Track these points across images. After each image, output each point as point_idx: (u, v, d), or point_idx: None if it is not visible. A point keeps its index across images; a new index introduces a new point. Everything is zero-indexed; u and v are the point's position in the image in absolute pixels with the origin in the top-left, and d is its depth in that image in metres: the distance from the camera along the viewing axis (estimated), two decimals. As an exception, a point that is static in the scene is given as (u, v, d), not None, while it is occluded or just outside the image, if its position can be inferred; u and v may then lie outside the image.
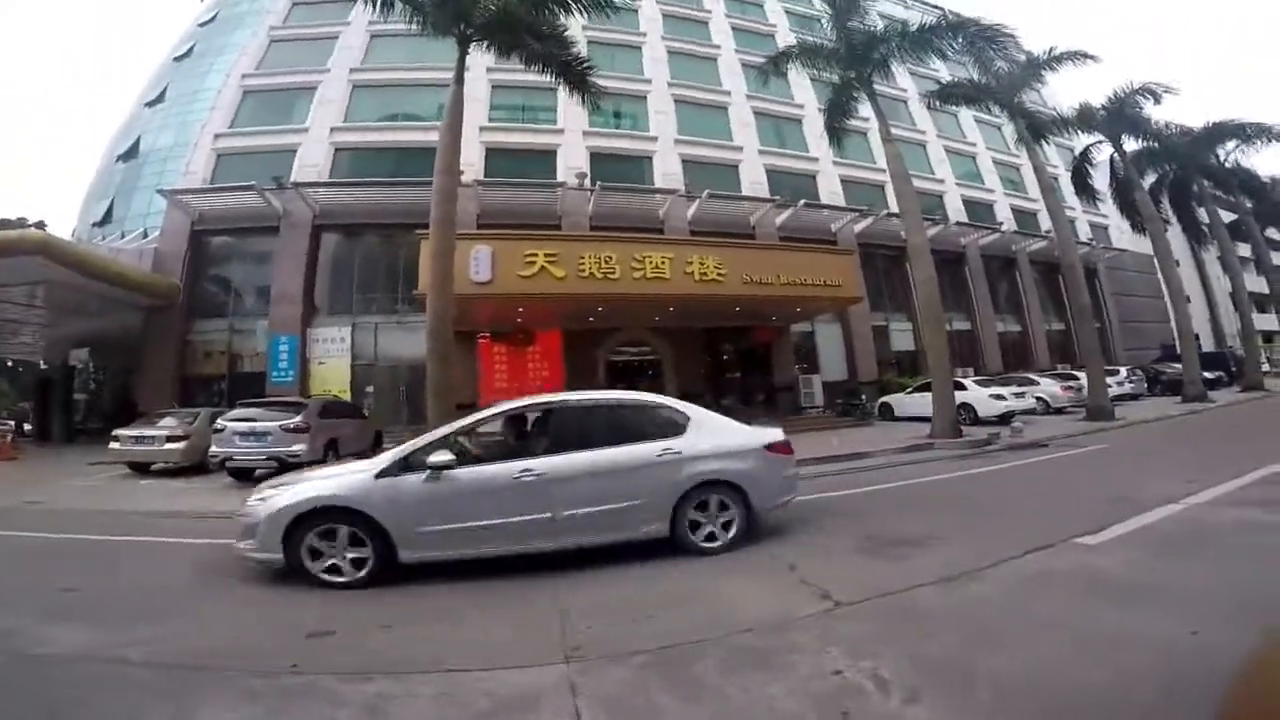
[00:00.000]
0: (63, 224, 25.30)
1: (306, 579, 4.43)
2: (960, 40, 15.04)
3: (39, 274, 14.27)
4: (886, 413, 18.82)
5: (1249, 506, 5.26)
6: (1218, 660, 2.41)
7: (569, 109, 19.90)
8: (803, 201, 22.04)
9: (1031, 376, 20.00)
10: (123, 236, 20.78)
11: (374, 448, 13.67)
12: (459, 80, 10.83)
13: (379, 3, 10.68)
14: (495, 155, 20.98)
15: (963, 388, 16.15)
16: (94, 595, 4.46)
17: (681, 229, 20.27)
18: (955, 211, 27.39)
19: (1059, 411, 17.79)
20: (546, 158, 21.51)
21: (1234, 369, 25.49)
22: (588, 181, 20.10)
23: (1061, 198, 24.61)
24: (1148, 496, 5.89)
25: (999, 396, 16.03)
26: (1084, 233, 31.30)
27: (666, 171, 22.35)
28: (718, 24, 28.48)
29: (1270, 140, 22.53)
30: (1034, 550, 4.36)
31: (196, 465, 11.59)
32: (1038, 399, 17.66)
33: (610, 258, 14.05)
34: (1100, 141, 21.74)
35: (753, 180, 23.59)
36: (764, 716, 2.49)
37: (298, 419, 10.62)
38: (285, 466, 10.17)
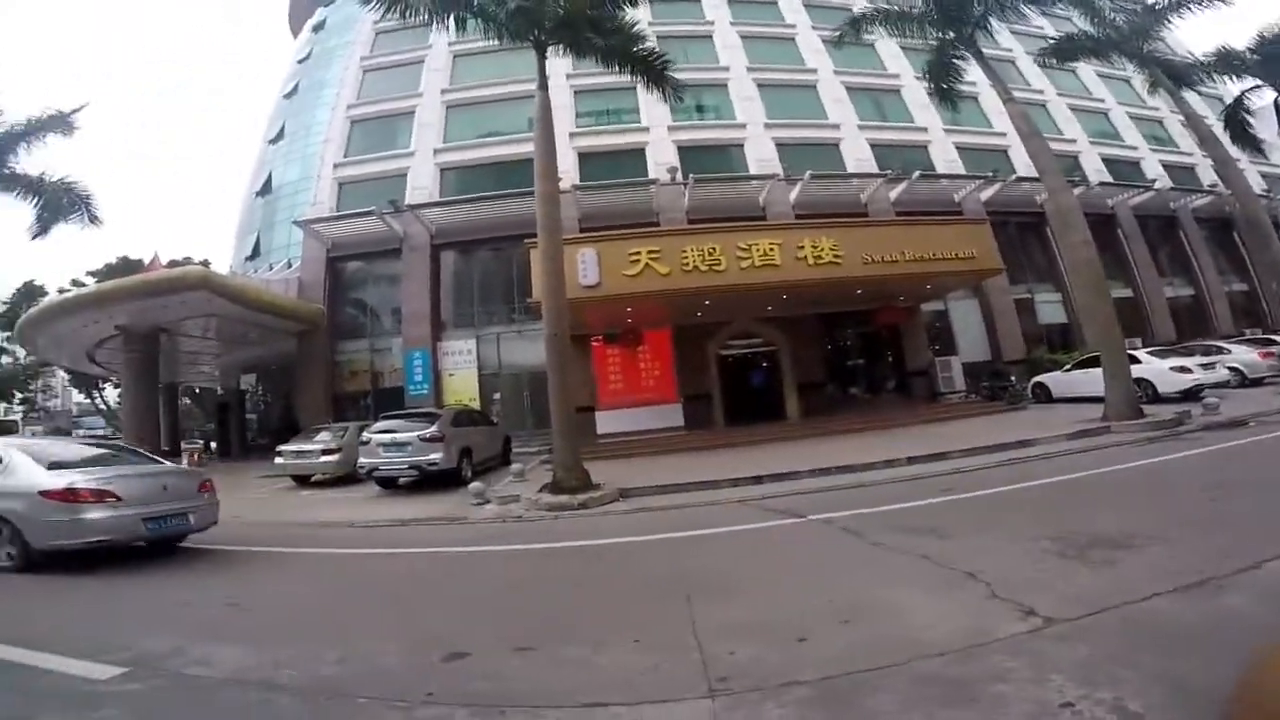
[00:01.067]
0: (222, 262, 28.42)
1: None
2: None
3: (205, 308, 16.14)
4: (1042, 394, 16.73)
5: None
6: None
7: (651, 106, 19.87)
8: (918, 173, 20.29)
9: (1218, 344, 17.02)
10: (270, 268, 22.83)
11: (504, 452, 14.25)
12: (543, 86, 10.81)
13: (454, 22, 10.84)
14: (587, 159, 21.19)
15: (1136, 360, 13.97)
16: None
17: (785, 214, 19.35)
18: (1095, 172, 24.40)
19: (1256, 383, 15.01)
20: (636, 157, 21.39)
21: None
22: (679, 175, 19.72)
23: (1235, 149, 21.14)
24: None
25: (1183, 369, 13.66)
26: (1257, 184, 26.63)
27: (761, 157, 21.52)
28: (787, 3, 27.23)
29: None
30: (1274, 559, 3.40)
31: (349, 475, 12.55)
32: (1230, 369, 14.94)
33: (714, 249, 13.54)
34: (1258, 86, 18.23)
35: (857, 157, 22.23)
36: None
37: (433, 429, 11.16)
38: (424, 474, 10.88)
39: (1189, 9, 15.28)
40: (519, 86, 19.12)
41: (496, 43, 11.27)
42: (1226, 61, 17.69)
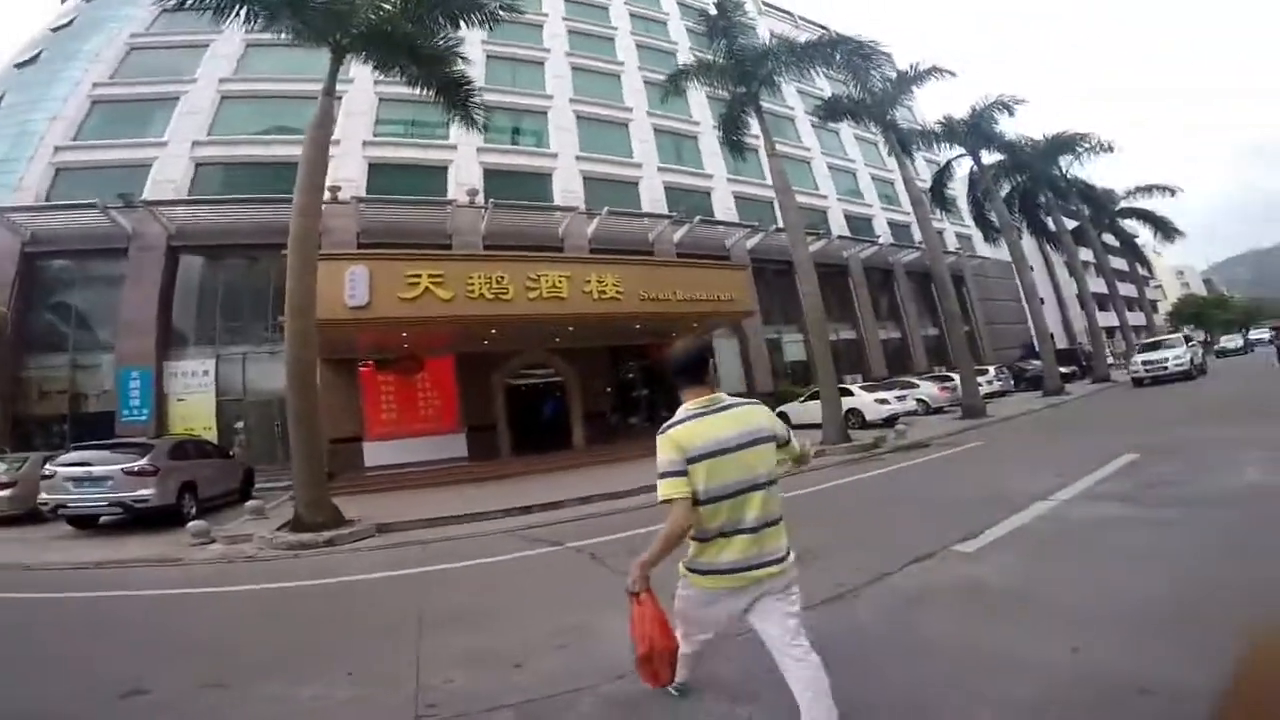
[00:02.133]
0: None
1: None
2: (839, 56, 15.81)
3: None
4: (784, 421, 19.28)
5: (1112, 501, 5.54)
6: (1103, 684, 2.40)
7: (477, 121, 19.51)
8: (699, 218, 22.48)
9: (912, 380, 21.30)
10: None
11: (244, 488, 12.64)
12: (328, 92, 10.11)
13: (248, 13, 9.71)
14: (380, 171, 19.99)
15: (850, 393, 16.91)
16: None
17: (581, 247, 20.10)
18: (839, 226, 28.99)
19: (938, 411, 19.03)
20: (438, 174, 20.72)
21: (1085, 363, 28.29)
22: (480, 198, 19.49)
23: (932, 210, 26.77)
24: (1020, 495, 6.15)
25: (883, 400, 16.89)
26: (951, 242, 34.11)
27: (566, 189, 22.13)
28: (622, 41, 28.81)
29: (1097, 151, 25.79)
30: (916, 561, 4.35)
31: (28, 513, 10.40)
32: (918, 400, 18.78)
33: (502, 278, 13.44)
34: (962, 155, 23.71)
35: (652, 197, 23.85)
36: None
37: (143, 462, 9.62)
38: (132, 512, 9.35)
39: (929, 78, 18.84)
40: (314, 85, 17.14)
41: (289, 38, 10.27)
42: (948, 132, 22.45)
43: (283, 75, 19.79)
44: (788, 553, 2.23)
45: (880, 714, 2.44)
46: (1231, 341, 38.66)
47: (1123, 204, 32.97)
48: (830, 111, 20.34)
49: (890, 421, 15.70)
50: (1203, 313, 65.57)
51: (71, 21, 23.79)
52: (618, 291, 14.51)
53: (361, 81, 19.43)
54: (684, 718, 2.65)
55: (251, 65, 20.96)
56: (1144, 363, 20.47)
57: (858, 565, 4.42)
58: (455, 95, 11.48)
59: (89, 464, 9.50)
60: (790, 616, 2.17)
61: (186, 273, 17.69)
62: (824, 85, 28.79)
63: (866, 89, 18.17)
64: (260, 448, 16.17)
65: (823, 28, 37.95)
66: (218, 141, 19.39)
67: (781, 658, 2.14)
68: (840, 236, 27.79)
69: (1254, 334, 40.19)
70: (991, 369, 24.10)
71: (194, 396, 16.54)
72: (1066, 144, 26.05)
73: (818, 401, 14.46)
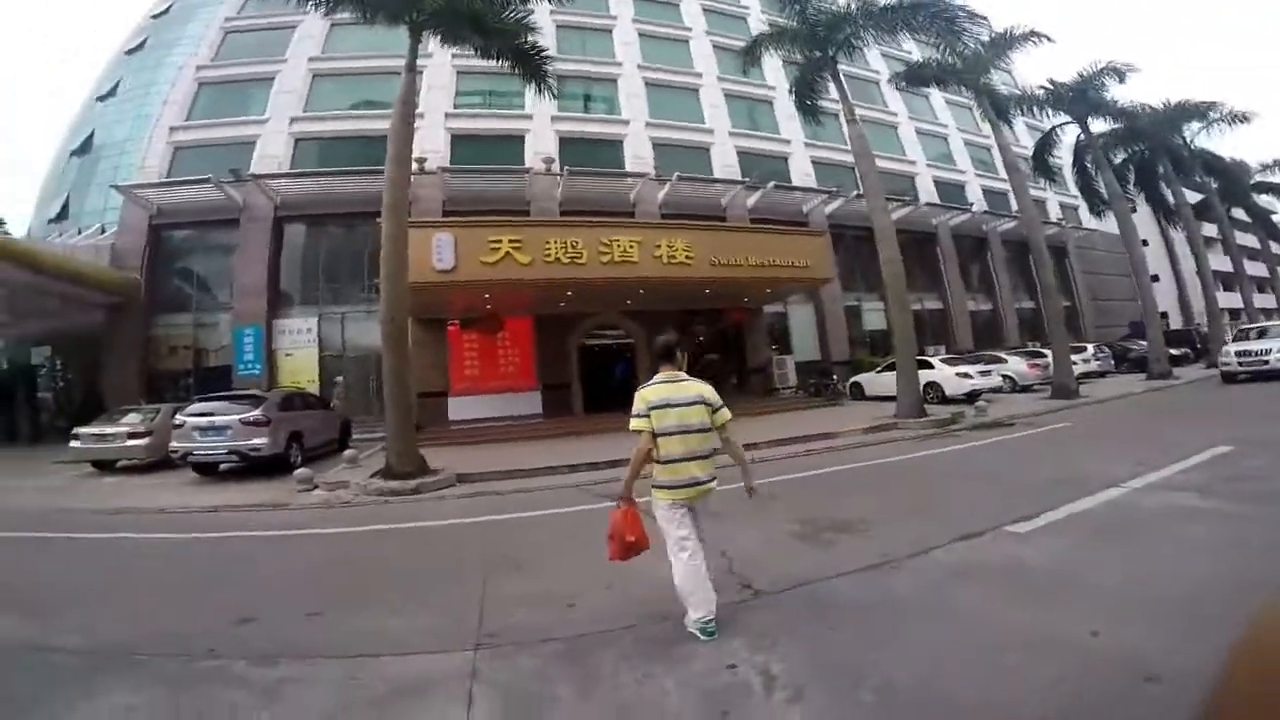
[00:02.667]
0: (19, 223, 24.79)
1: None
2: (922, 19, 14.75)
3: (-13, 273, 13.85)
4: (858, 392, 18.95)
5: (1187, 491, 5.28)
6: (1114, 668, 2.51)
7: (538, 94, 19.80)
8: (773, 183, 21.86)
9: (1000, 354, 20.15)
10: (80, 233, 20.28)
11: (341, 438, 13.73)
12: (410, 69, 10.65)
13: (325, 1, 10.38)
14: (461, 142, 20.65)
15: (929, 366, 16.29)
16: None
17: (652, 212, 20.12)
18: (927, 193, 27.41)
19: (1026, 389, 17.99)
20: (515, 143, 21.20)
21: (1200, 346, 25.80)
22: (556, 166, 19.89)
23: (1034, 179, 24.75)
24: (1093, 479, 5.95)
25: (965, 375, 16.13)
26: (1054, 213, 31.57)
27: (637, 155, 22.12)
28: (689, 6, 28.06)
29: (1230, 122, 22.86)
30: (963, 538, 4.37)
31: (162, 460, 11.49)
32: (1004, 377, 17.81)
33: (576, 243, 13.87)
34: (1068, 122, 21.66)
35: (724, 163, 23.43)
36: (650, 712, 2.48)
37: (256, 413, 10.56)
38: (247, 460, 10.37)
39: (1025, 43, 17.39)
40: (397, 61, 17.98)
41: (368, 21, 10.85)
42: (1052, 98, 20.63)
43: (367, 52, 20.46)
44: (712, 478, 3.43)
45: (896, 681, 2.59)
46: None
47: (1258, 178, 29.28)
48: (913, 78, 19.06)
49: (972, 397, 15.05)
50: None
51: (169, 9, 25.66)
52: (688, 257, 14.59)
53: (440, 56, 19.74)
54: (709, 656, 2.92)
55: (337, 44, 21.86)
56: (1238, 354, 15.92)
57: (906, 538, 4.51)
58: (529, 65, 11.77)
59: (212, 414, 10.54)
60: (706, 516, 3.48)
61: (291, 240, 19.17)
62: (912, 48, 26.98)
63: (956, 53, 16.91)
64: (357, 400, 17.49)
65: None
66: (312, 118, 20.58)
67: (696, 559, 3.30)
68: (928, 204, 26.33)
69: None
70: (1090, 347, 22.39)
71: (300, 352, 18.09)
72: (1192, 112, 23.09)
73: (894, 373, 14.10)
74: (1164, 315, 29.26)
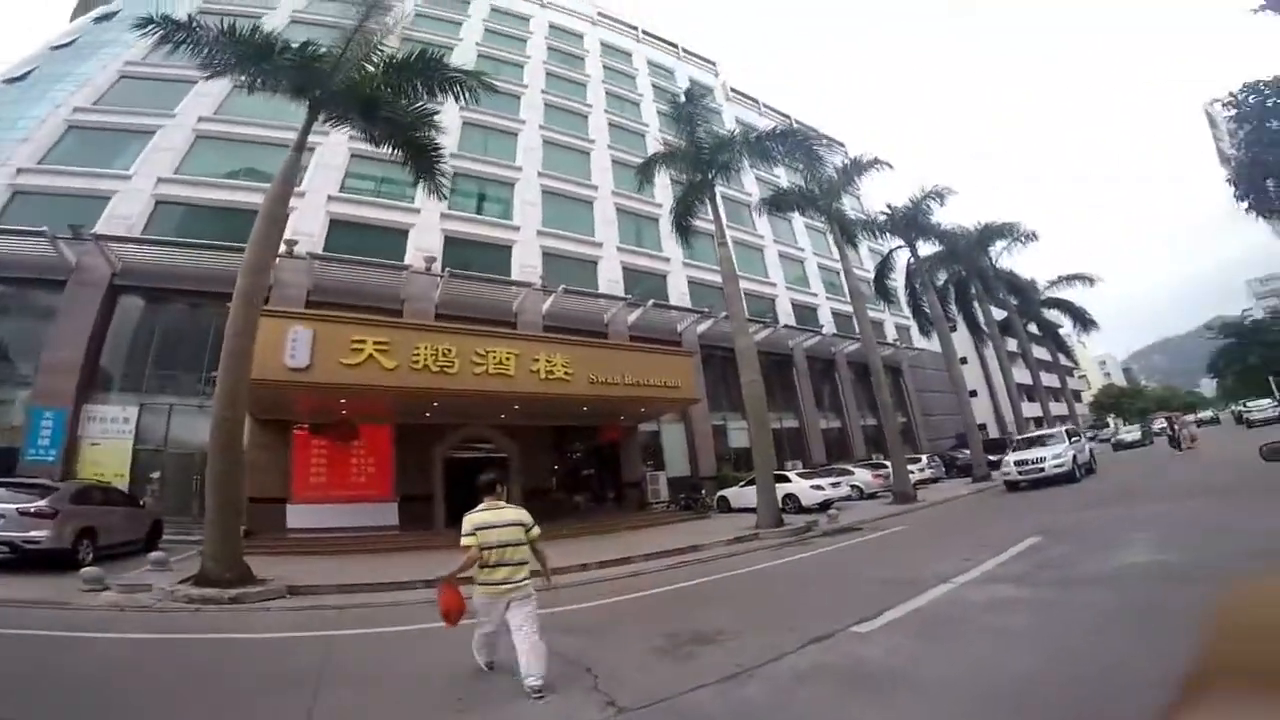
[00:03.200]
0: None
1: None
2: (789, 145, 16.73)
3: None
4: (724, 505, 19.52)
5: (1006, 583, 5.88)
6: None
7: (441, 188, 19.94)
8: (652, 301, 22.89)
9: (848, 467, 21.94)
10: None
11: (150, 538, 12.05)
12: (298, 148, 10.44)
13: (231, 61, 10.14)
14: (341, 228, 19.76)
15: (787, 479, 17.34)
16: None
17: (535, 323, 20.16)
18: (786, 314, 29.97)
19: (872, 496, 19.58)
20: (397, 236, 20.57)
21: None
22: (437, 266, 19.39)
23: (875, 301, 28.12)
24: (927, 576, 6.46)
25: (818, 486, 17.34)
26: (890, 333, 35.59)
27: (525, 263, 22.22)
28: (596, 119, 29.95)
29: (1024, 240, 28.01)
30: (813, 641, 4.52)
31: None
32: (852, 487, 19.32)
33: (449, 350, 13.58)
34: (901, 246, 25.18)
35: (610, 278, 24.17)
36: None
37: (41, 503, 9.40)
38: (20, 552, 9.02)
39: (871, 169, 20.09)
40: (291, 134, 17.54)
41: (268, 91, 10.61)
42: (891, 220, 23.66)
43: (262, 120, 19.55)
44: (525, 580, 4.35)
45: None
46: (1130, 433, 35.98)
47: (1045, 294, 35.31)
48: (778, 204, 21.38)
49: (825, 506, 16.05)
50: (1119, 402, 69.73)
51: (73, 41, 23.83)
52: (566, 373, 14.76)
53: (339, 135, 18.64)
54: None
55: (234, 107, 20.65)
56: (1017, 463, 16.93)
57: (761, 645, 4.58)
58: (423, 160, 11.80)
59: (-17, 501, 9.07)
60: (526, 614, 4.20)
61: (125, 313, 17.00)
62: (781, 173, 30.13)
63: (816, 179, 19.33)
64: (176, 500, 15.23)
65: (784, 115, 41.04)
66: (182, 180, 18.99)
67: (515, 634, 4.13)
68: (786, 326, 28.64)
69: (1156, 424, 37.15)
70: (924, 457, 25.01)
71: (110, 442, 15.63)
72: (996, 233, 27.96)
73: (755, 487, 14.72)
74: (982, 426, 33.25)
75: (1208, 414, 61.58)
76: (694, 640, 5.00)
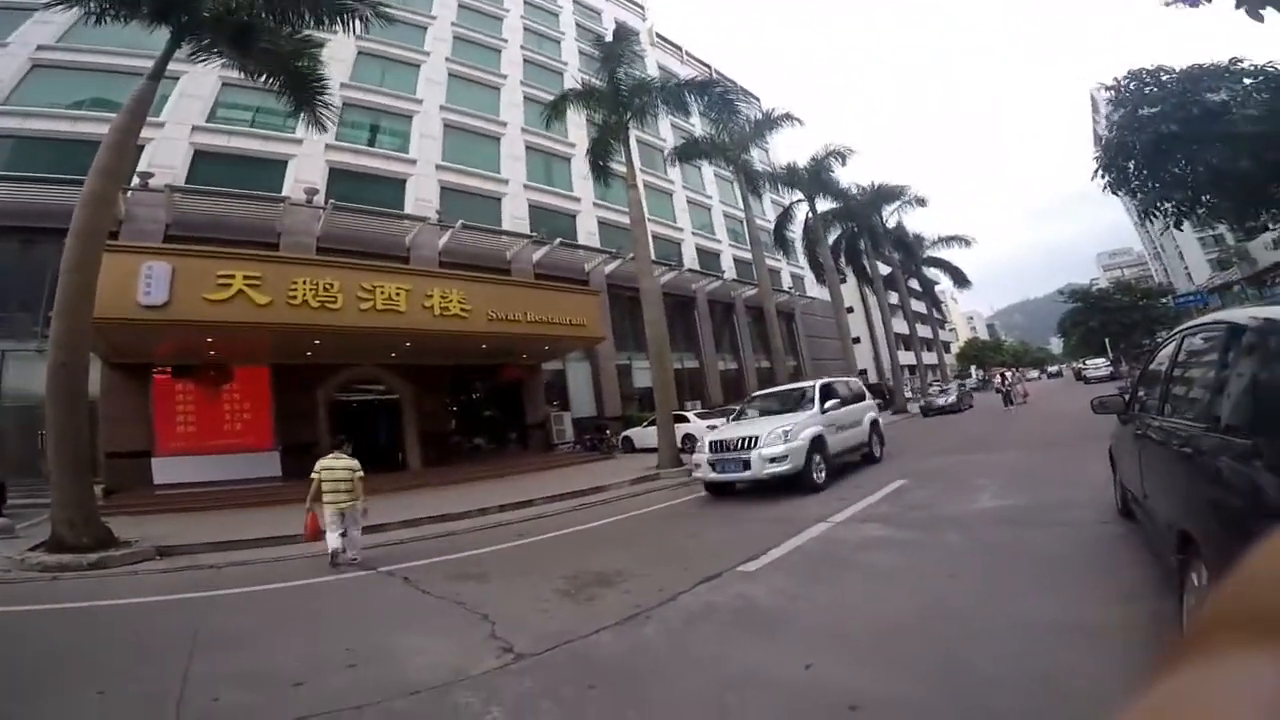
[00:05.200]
0: None
1: None
2: (707, 97, 16.76)
3: None
4: (629, 445, 19.94)
5: (875, 523, 6.37)
6: (822, 699, 2.74)
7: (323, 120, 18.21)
8: (559, 240, 22.26)
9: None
10: None
11: None
12: (155, 76, 9.14)
13: None
14: (208, 160, 17.79)
15: (686, 419, 17.89)
16: None
17: (430, 259, 19.12)
18: (690, 259, 30.53)
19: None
20: (275, 168, 18.84)
21: (888, 396, 32.18)
22: (320, 199, 17.99)
23: (774, 251, 29.07)
24: (806, 516, 6.95)
25: (714, 427, 17.93)
26: (786, 282, 37.27)
27: (421, 198, 21.12)
28: (510, 54, 28.27)
29: (915, 204, 30.13)
30: (705, 581, 4.76)
31: None
32: (748, 427, 20.22)
33: (331, 284, 12.64)
34: (801, 200, 26.28)
35: (515, 215, 23.50)
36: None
37: None
38: None
39: (782, 125, 20.47)
40: (147, 62, 15.12)
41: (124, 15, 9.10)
42: (791, 178, 24.51)
43: (115, 48, 16.81)
44: (351, 503, 6.88)
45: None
46: (945, 394, 31.69)
47: (928, 253, 38.25)
48: (690, 152, 21.55)
49: (721, 446, 16.72)
50: (982, 354, 77.72)
51: None
52: (463, 309, 14.22)
53: (209, 63, 17.33)
54: None
55: (83, 34, 17.04)
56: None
57: (658, 586, 4.76)
58: (303, 91, 10.71)
59: None
60: (353, 520, 6.93)
61: None
62: (696, 122, 30.43)
63: (729, 130, 19.52)
64: (20, 458, 13.49)
65: (706, 65, 40.54)
66: (12, 112, 16.41)
67: (349, 533, 6.87)
68: (690, 269, 29.15)
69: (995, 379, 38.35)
70: (814, 398, 26.57)
71: None
72: (889, 194, 30.09)
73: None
74: (863, 371, 35.85)
75: (1054, 369, 69.50)
76: (595, 583, 5.13)
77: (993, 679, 2.75)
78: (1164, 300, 37.56)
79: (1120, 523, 5.08)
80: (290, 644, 4.28)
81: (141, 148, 16.14)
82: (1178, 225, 13.91)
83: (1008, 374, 30.30)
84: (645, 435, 18.58)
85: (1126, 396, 4.91)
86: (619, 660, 3.50)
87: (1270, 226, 15.40)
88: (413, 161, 21.94)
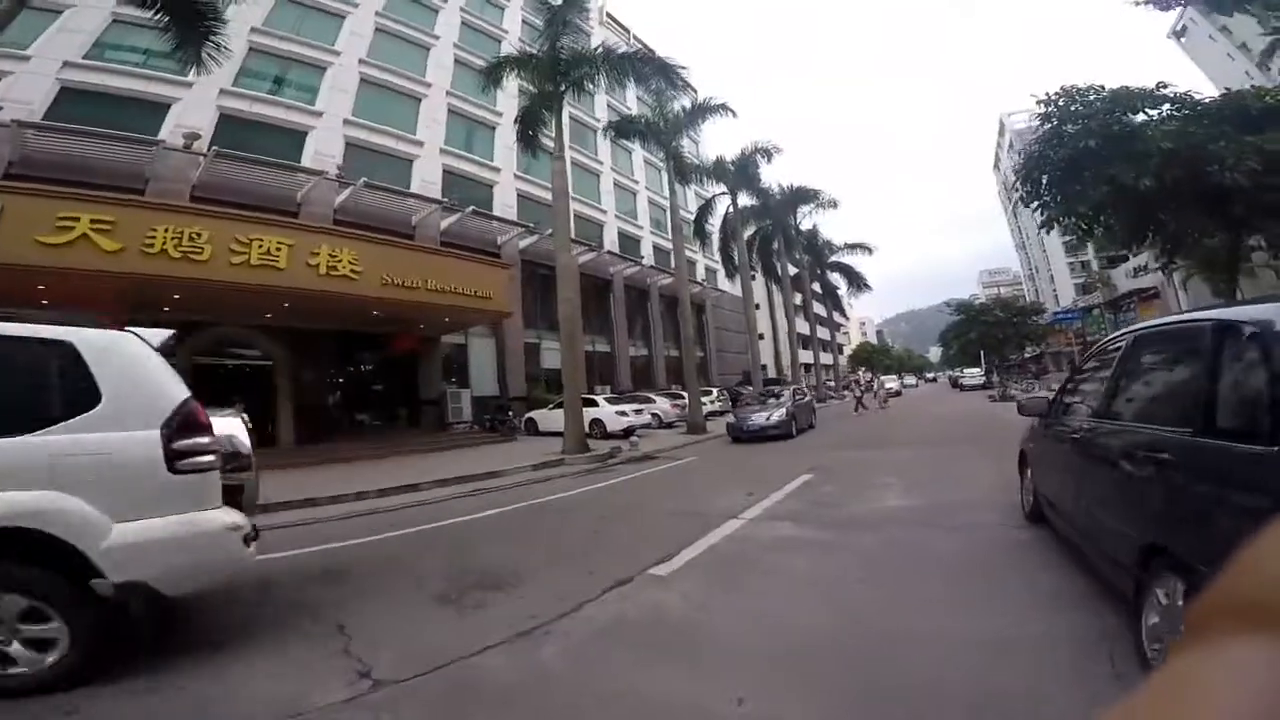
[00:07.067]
0: None
1: None
2: (648, 71, 16.38)
3: None
4: (532, 428, 19.16)
5: (784, 521, 6.11)
6: None
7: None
8: (471, 208, 20.83)
9: (651, 395, 22.79)
10: None
11: None
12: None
13: None
14: (75, 98, 15.77)
15: (594, 404, 17.43)
16: None
17: (324, 217, 17.29)
18: (611, 242, 30.03)
19: (669, 426, 20.53)
20: (155, 110, 16.85)
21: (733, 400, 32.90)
22: (203, 145, 16.05)
23: (691, 242, 29.07)
24: (716, 511, 6.59)
25: (623, 413, 17.72)
26: (700, 273, 37.66)
27: (322, 152, 19.34)
28: (448, 16, 26.39)
29: (826, 207, 31.26)
30: (614, 586, 4.21)
31: None
32: (653, 415, 20.07)
33: (199, 234, 11.08)
34: (724, 193, 26.46)
35: (426, 179, 22.04)
36: None
37: None
38: None
39: (715, 114, 20.39)
40: None
41: None
42: (718, 171, 24.52)
43: None
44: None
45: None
46: (759, 413, 36.39)
47: (832, 258, 39.94)
48: (624, 130, 21.15)
49: (628, 433, 16.43)
50: (872, 357, 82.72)
51: None
52: (353, 270, 12.90)
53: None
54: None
55: None
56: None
57: (559, 592, 4.16)
58: (189, 27, 9.63)
59: None
60: None
61: None
62: (632, 105, 29.96)
63: (664, 114, 19.34)
64: None
65: (651, 51, 39.65)
66: None
67: None
68: (610, 252, 28.60)
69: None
70: (715, 390, 26.95)
71: None
72: (805, 196, 31.09)
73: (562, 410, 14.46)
74: (764, 366, 36.86)
75: (931, 375, 74.86)
76: (482, 585, 4.45)
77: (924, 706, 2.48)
78: (1034, 318, 41.15)
79: (1029, 527, 5.06)
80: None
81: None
82: (1080, 241, 14.90)
83: (861, 378, 31.17)
84: (550, 418, 17.90)
85: (1049, 399, 4.88)
86: (508, 691, 2.89)
87: (1153, 250, 16.55)
88: (318, 114, 20.16)
